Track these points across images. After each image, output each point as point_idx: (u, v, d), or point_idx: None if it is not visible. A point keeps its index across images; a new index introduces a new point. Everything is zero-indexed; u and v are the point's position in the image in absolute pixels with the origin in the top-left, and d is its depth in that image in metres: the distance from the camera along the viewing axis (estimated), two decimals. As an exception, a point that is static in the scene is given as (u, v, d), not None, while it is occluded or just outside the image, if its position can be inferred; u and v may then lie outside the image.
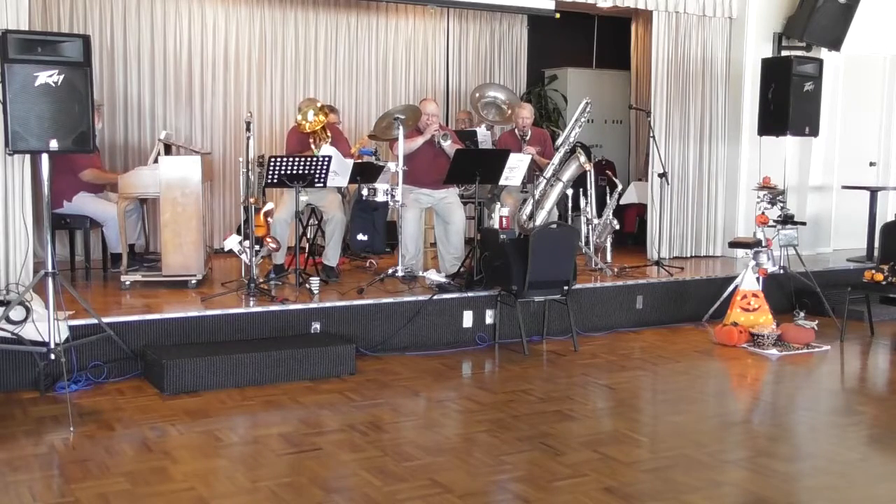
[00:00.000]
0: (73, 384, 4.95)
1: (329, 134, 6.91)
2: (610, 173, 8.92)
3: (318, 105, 6.91)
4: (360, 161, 7.42)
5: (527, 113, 7.61)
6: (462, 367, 5.86)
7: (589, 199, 7.90)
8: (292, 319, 5.80)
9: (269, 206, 6.94)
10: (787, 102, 7.62)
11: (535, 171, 7.34)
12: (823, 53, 8.50)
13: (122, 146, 8.20)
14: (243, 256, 6.22)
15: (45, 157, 4.70)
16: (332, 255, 6.87)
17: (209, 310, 5.62)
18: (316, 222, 7.44)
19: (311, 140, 6.87)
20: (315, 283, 6.19)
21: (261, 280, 6.24)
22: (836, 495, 3.78)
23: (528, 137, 7.52)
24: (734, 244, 7.43)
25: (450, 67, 9.80)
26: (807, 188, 8.97)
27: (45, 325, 4.70)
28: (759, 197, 7.18)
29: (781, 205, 7.20)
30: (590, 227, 7.87)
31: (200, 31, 8.49)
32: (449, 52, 9.77)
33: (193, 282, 6.37)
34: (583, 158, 7.36)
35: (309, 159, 6.33)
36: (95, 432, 4.33)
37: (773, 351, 6.32)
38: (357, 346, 5.73)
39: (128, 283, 6.33)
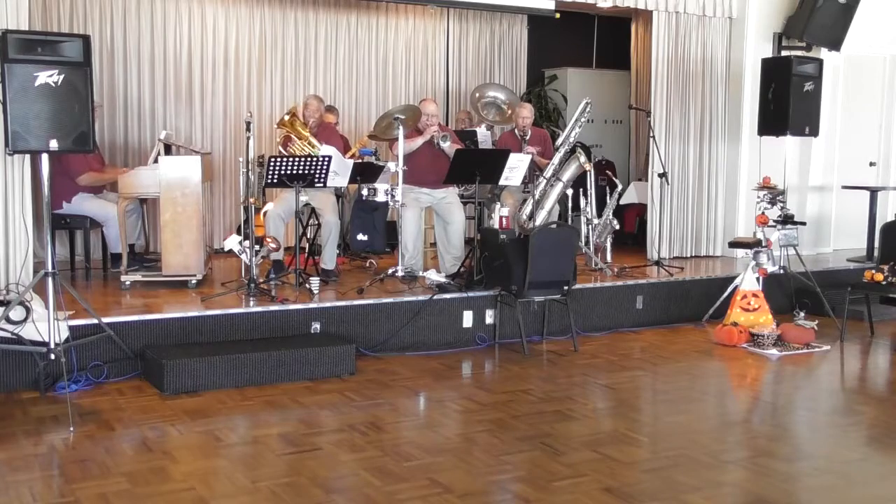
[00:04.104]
0: (73, 384, 4.95)
1: (306, 133, 6.85)
2: (610, 173, 8.92)
3: (296, 105, 6.93)
4: (360, 161, 7.43)
5: (527, 113, 7.61)
6: (462, 367, 5.86)
7: (589, 199, 7.90)
8: (292, 319, 5.80)
9: (268, 206, 6.94)
10: (787, 102, 7.62)
11: (535, 171, 7.34)
12: (823, 53, 8.49)
13: (122, 146, 8.21)
14: (243, 256, 6.22)
15: (44, 157, 4.70)
16: (328, 259, 6.87)
17: (209, 310, 5.62)
18: (316, 222, 7.44)
19: (285, 135, 6.89)
20: (315, 283, 6.19)
21: (261, 280, 6.24)
22: (836, 495, 3.78)
23: (528, 137, 7.52)
24: (734, 244, 7.43)
25: (450, 67, 9.80)
26: (807, 188, 8.97)
27: (45, 325, 4.70)
28: (759, 197, 7.18)
29: (781, 205, 7.20)
30: (590, 227, 7.87)
31: (200, 31, 8.49)
32: (449, 52, 9.77)
33: (193, 282, 6.37)
34: (583, 158, 7.36)
35: (309, 159, 6.33)
36: (95, 432, 4.33)
37: (773, 351, 6.32)
38: (357, 346, 5.73)
39: (128, 283, 6.33)
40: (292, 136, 6.85)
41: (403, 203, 6.77)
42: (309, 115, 6.96)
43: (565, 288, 6.23)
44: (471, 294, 6.37)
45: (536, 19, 9.94)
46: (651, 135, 8.08)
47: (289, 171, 6.25)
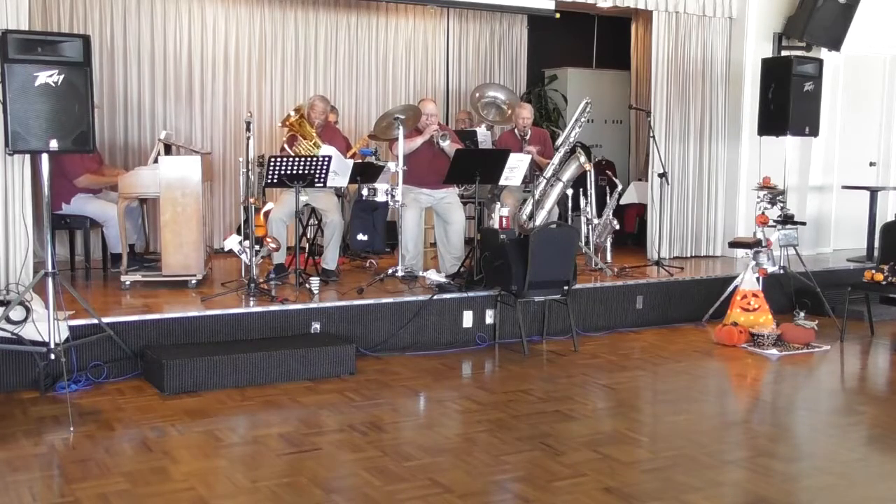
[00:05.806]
0: (73, 384, 4.95)
1: (313, 133, 6.86)
2: (610, 173, 8.92)
3: (302, 105, 6.93)
4: (360, 161, 7.43)
5: (527, 113, 7.61)
6: (462, 367, 5.86)
7: (589, 199, 7.90)
8: (292, 319, 5.80)
9: (269, 206, 6.94)
10: (787, 102, 7.62)
11: (535, 171, 7.34)
12: (823, 53, 8.50)
13: (122, 146, 8.21)
14: (243, 256, 6.22)
15: (45, 157, 4.70)
16: (330, 259, 6.87)
17: (209, 310, 5.62)
18: (316, 222, 7.45)
19: (290, 134, 6.89)
20: (315, 282, 6.19)
21: (261, 280, 6.24)
22: (836, 495, 3.78)
23: (528, 137, 7.52)
24: (734, 244, 7.43)
25: (450, 67, 9.80)
26: (807, 188, 8.97)
27: (45, 325, 4.70)
28: (759, 197, 7.18)
29: (781, 205, 7.20)
30: (590, 227, 7.87)
31: (200, 31, 8.49)
32: (449, 52, 9.77)
33: (193, 282, 6.37)
34: (583, 158, 7.36)
35: (309, 159, 6.33)
36: (95, 432, 4.33)
37: (773, 351, 6.32)
38: (357, 346, 5.72)
39: (128, 283, 6.33)
40: (298, 135, 6.85)
41: (403, 203, 6.77)
42: (315, 117, 6.97)
43: (565, 288, 6.24)
44: (471, 294, 6.37)
45: (536, 19, 9.94)
46: (651, 135, 8.08)
47: (289, 171, 6.25)
